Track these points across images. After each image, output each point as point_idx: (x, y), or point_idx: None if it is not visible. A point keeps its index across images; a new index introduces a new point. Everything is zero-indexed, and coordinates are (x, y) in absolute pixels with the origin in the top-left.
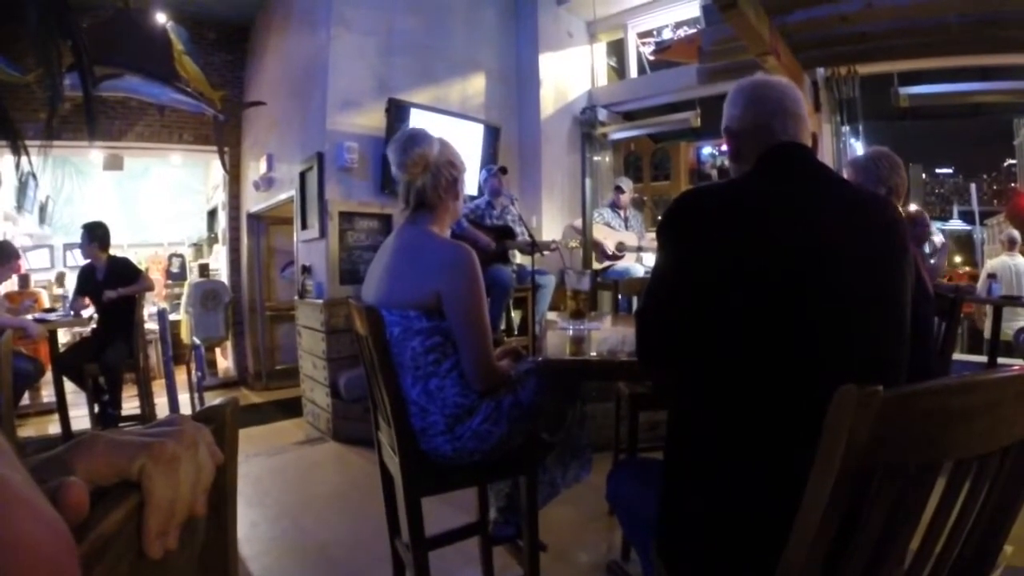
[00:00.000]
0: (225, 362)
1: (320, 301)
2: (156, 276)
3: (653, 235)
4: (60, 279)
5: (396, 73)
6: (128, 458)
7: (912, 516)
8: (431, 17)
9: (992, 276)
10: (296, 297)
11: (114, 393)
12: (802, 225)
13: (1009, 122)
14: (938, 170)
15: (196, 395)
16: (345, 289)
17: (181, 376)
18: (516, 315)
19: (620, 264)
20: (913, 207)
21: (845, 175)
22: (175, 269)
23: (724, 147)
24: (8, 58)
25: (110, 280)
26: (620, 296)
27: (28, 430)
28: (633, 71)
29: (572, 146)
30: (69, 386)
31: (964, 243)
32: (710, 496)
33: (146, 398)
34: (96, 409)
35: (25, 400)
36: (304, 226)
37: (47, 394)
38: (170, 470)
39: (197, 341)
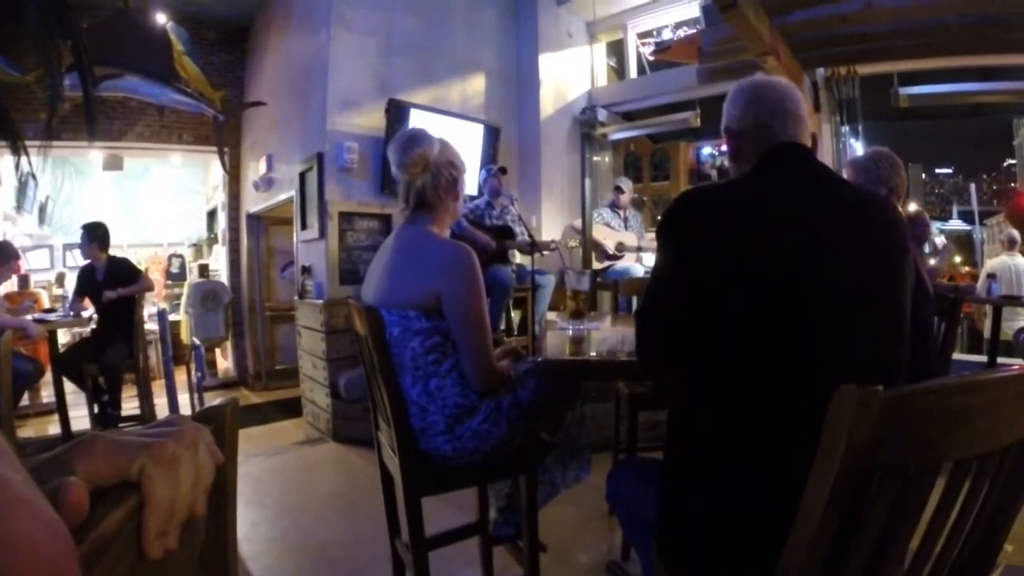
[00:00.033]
0: (225, 362)
1: (320, 301)
2: (156, 276)
3: (653, 235)
4: (60, 279)
5: (396, 73)
6: (128, 458)
7: (912, 516)
8: (431, 17)
9: (992, 276)
10: (296, 297)
11: (114, 393)
12: (802, 225)
13: (1009, 122)
14: (938, 170)
15: (196, 395)
16: (345, 289)
17: (181, 376)
18: (516, 315)
19: (620, 264)
20: (913, 207)
21: (845, 175)
22: (175, 269)
23: (724, 147)
24: (8, 58)
25: (110, 280)
26: (620, 296)
27: (28, 431)
28: (633, 71)
29: (572, 146)
30: (69, 386)
31: (964, 243)
32: (710, 496)
33: (146, 398)
34: (96, 409)
35: (25, 401)
36: (304, 226)
37: (47, 394)
38: (170, 470)
39: (197, 341)
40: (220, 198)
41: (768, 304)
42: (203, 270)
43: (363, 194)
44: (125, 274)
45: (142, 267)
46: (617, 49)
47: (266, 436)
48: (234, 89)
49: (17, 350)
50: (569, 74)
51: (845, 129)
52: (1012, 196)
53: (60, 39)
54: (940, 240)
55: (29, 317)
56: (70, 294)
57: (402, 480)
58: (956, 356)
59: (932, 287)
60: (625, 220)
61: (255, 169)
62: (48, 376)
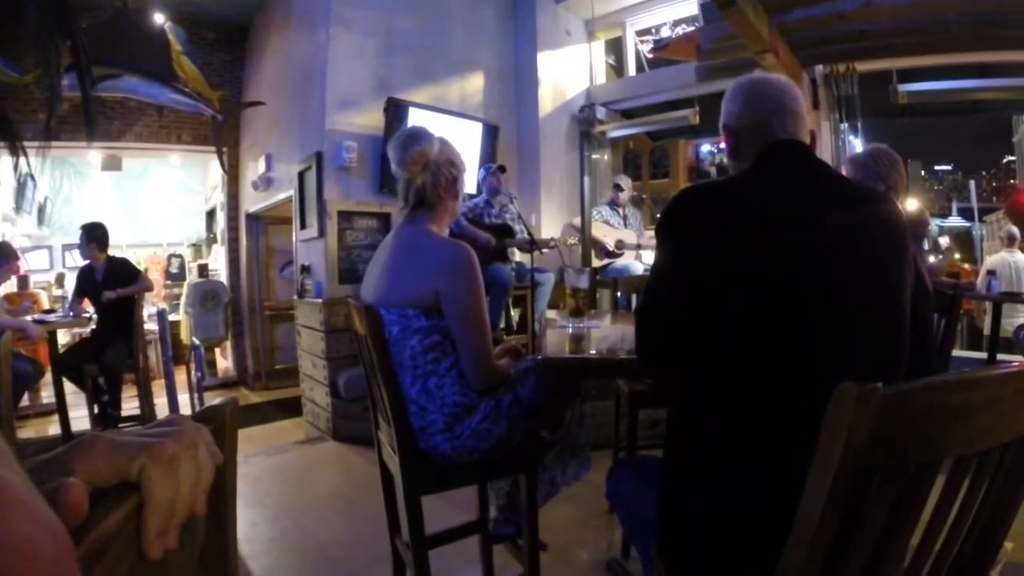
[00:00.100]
0: (225, 362)
1: (319, 300)
2: (155, 276)
3: (652, 233)
4: (59, 280)
5: (395, 73)
6: (128, 458)
7: (912, 513)
8: (430, 17)
9: (992, 273)
10: (295, 297)
11: (114, 394)
12: (801, 223)
13: (1008, 119)
14: (937, 167)
15: (196, 395)
16: (344, 288)
17: (181, 376)
18: (515, 313)
19: (619, 262)
20: (913, 205)
21: (844, 172)
22: (174, 269)
23: (723, 145)
24: (7, 58)
25: (109, 281)
26: (619, 294)
27: (28, 431)
28: (631, 69)
29: (571, 144)
30: (69, 387)
31: (963, 240)
32: (710, 495)
33: (146, 398)
34: (96, 410)
35: (25, 401)
36: (303, 226)
37: (47, 395)
38: (170, 470)
39: (196, 341)
40: (219, 198)
41: (768, 302)
42: (202, 270)
43: (362, 193)
44: (124, 274)
45: (141, 267)
46: (616, 47)
47: (266, 436)
48: (233, 89)
49: (17, 351)
50: (568, 72)
51: (844, 126)
52: (1011, 193)
53: (59, 39)
54: (944, 241)
55: (29, 318)
56: (69, 295)
57: (402, 479)
58: (956, 353)
59: (932, 284)
60: (624, 218)
61: (254, 169)
62: (48, 377)
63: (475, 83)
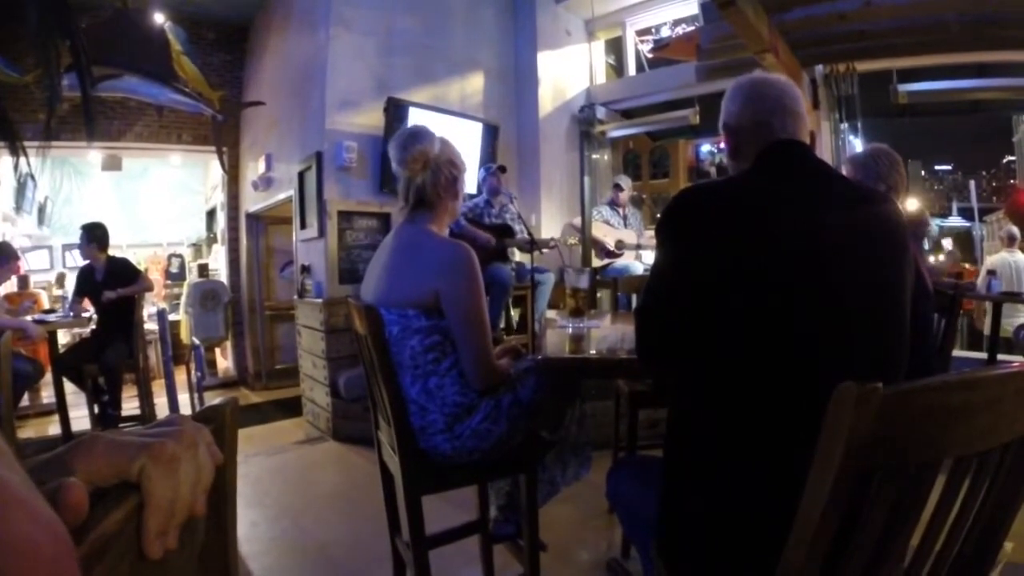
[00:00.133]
0: (225, 362)
1: (319, 300)
2: (155, 276)
3: (652, 233)
4: (60, 280)
5: (395, 72)
6: (128, 458)
7: (912, 514)
8: (430, 17)
9: (992, 273)
10: (295, 297)
11: (114, 393)
12: (802, 223)
13: (1008, 119)
14: (937, 167)
15: (196, 395)
16: (344, 288)
17: (181, 376)
18: (515, 313)
19: (619, 262)
20: (914, 206)
21: (844, 172)
22: (174, 269)
23: (723, 144)
24: (8, 58)
25: (109, 281)
26: (619, 294)
27: (28, 431)
28: (631, 69)
29: (571, 144)
30: (69, 387)
31: (964, 240)
32: (710, 495)
33: (146, 398)
34: (96, 410)
35: (25, 401)
36: (303, 226)
37: (47, 395)
38: (170, 470)
39: (197, 341)
40: (219, 198)
41: (768, 302)
42: (202, 270)
43: (362, 193)
44: (124, 274)
45: (141, 267)
46: (616, 47)
47: (266, 435)
48: (233, 89)
49: (17, 351)
50: (568, 72)
51: (844, 126)
52: (1012, 193)
53: (59, 39)
54: (947, 243)
55: (29, 318)
56: (70, 294)
57: (402, 479)
58: (956, 353)
59: (932, 284)
60: (624, 218)
61: (254, 169)
62: (48, 377)
63: (475, 83)
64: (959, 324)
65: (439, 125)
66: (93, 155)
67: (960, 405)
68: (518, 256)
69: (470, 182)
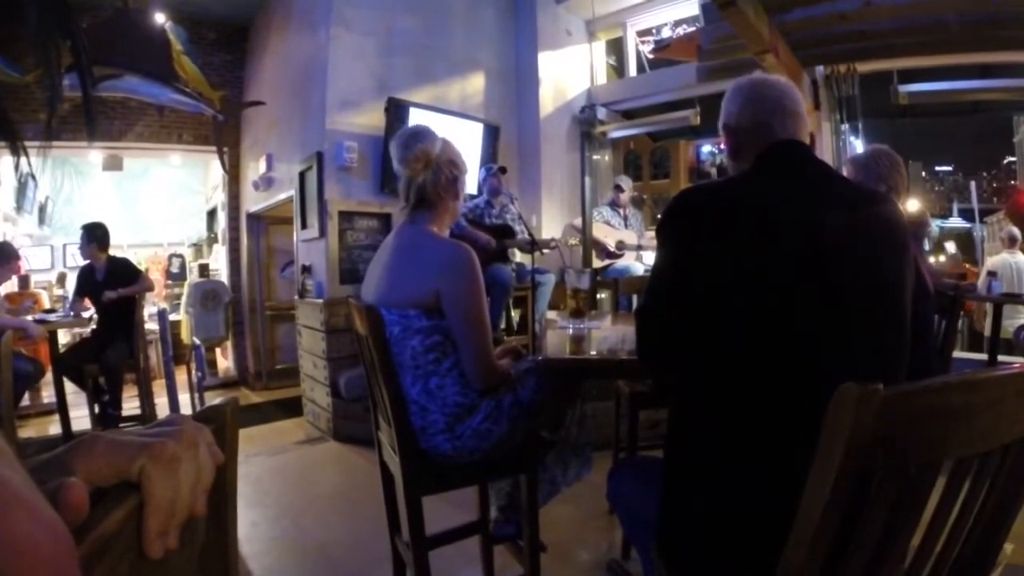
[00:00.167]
0: (225, 362)
1: (320, 301)
2: (156, 276)
3: (653, 233)
4: (61, 279)
5: (395, 73)
6: (128, 458)
7: (912, 514)
8: (430, 17)
9: (992, 274)
10: (296, 297)
11: (114, 393)
12: (802, 223)
13: (1009, 119)
14: (938, 167)
15: (196, 395)
16: (345, 288)
17: (181, 376)
18: (516, 314)
19: (620, 263)
20: (914, 207)
21: (845, 173)
22: (175, 269)
23: (723, 145)
24: (8, 58)
25: (110, 281)
26: (620, 295)
27: (28, 431)
28: (632, 69)
29: (571, 145)
30: (69, 387)
31: (964, 241)
32: (710, 496)
33: (146, 398)
34: (96, 409)
35: (25, 401)
36: (304, 226)
37: (47, 395)
38: (170, 470)
39: (197, 341)
40: (220, 198)
41: (768, 302)
42: (203, 270)
43: (363, 193)
44: (125, 274)
45: (142, 267)
46: (616, 47)
47: (266, 436)
48: (233, 89)
49: (18, 350)
50: (568, 72)
51: (845, 127)
52: (1012, 194)
53: (60, 39)
54: (951, 247)
55: (29, 317)
56: (70, 294)
57: (403, 479)
58: (956, 354)
59: (933, 285)
60: (625, 218)
61: (255, 169)
62: (49, 376)
63: (476, 83)
64: (959, 325)
65: (440, 125)
66: (94, 155)
67: (961, 406)
68: (519, 257)
69: (471, 182)
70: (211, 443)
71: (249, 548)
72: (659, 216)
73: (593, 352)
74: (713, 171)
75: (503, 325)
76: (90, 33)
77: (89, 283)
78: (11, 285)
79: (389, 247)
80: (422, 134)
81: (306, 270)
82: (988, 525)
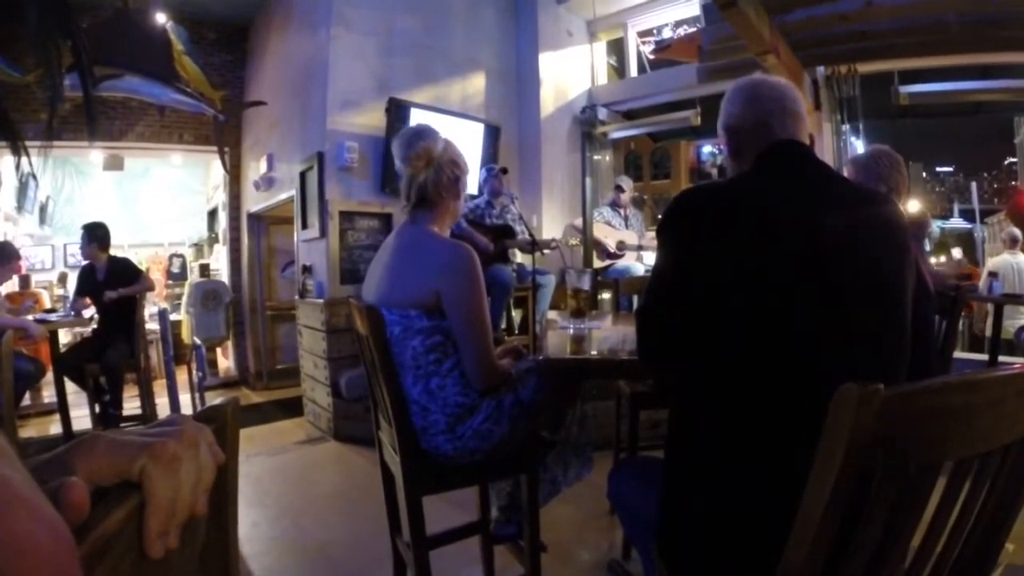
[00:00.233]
0: (226, 362)
1: (321, 301)
2: (157, 276)
3: (653, 234)
4: (62, 279)
5: (396, 73)
6: (129, 458)
7: (913, 514)
8: (431, 17)
9: (993, 275)
10: (297, 297)
11: (115, 393)
12: (802, 224)
13: (1010, 120)
14: (938, 168)
15: (197, 395)
16: (346, 288)
17: (182, 376)
18: (517, 314)
19: (620, 263)
20: (915, 207)
21: (845, 173)
22: (176, 269)
23: (723, 146)
24: (8, 58)
25: (111, 280)
26: (620, 295)
27: (29, 431)
28: (633, 70)
29: (572, 145)
30: (70, 386)
31: (965, 241)
32: (711, 496)
33: (147, 398)
34: (97, 409)
35: (26, 401)
36: (304, 226)
37: (48, 394)
38: (171, 470)
39: (198, 341)
40: (221, 198)
41: (768, 303)
42: (204, 270)
43: (363, 193)
44: (126, 274)
45: (143, 267)
46: (617, 48)
47: (267, 435)
48: (234, 89)
49: (18, 350)
50: (569, 73)
51: (846, 127)
52: (1013, 194)
53: (60, 39)
54: (957, 252)
55: (30, 317)
56: (71, 294)
57: (403, 479)
58: (957, 355)
59: (935, 286)
60: (626, 219)
61: (255, 169)
62: (49, 376)
63: (476, 83)
64: (960, 326)
65: (440, 125)
66: (95, 155)
67: (961, 406)
68: (519, 257)
69: (471, 183)
70: (212, 443)
71: (249, 548)
72: (660, 216)
73: (594, 352)
74: (714, 171)
75: (504, 325)
76: (90, 33)
77: (90, 283)
78: (12, 285)
79: (390, 247)
80: (424, 133)
81: (307, 270)
82: (989, 525)
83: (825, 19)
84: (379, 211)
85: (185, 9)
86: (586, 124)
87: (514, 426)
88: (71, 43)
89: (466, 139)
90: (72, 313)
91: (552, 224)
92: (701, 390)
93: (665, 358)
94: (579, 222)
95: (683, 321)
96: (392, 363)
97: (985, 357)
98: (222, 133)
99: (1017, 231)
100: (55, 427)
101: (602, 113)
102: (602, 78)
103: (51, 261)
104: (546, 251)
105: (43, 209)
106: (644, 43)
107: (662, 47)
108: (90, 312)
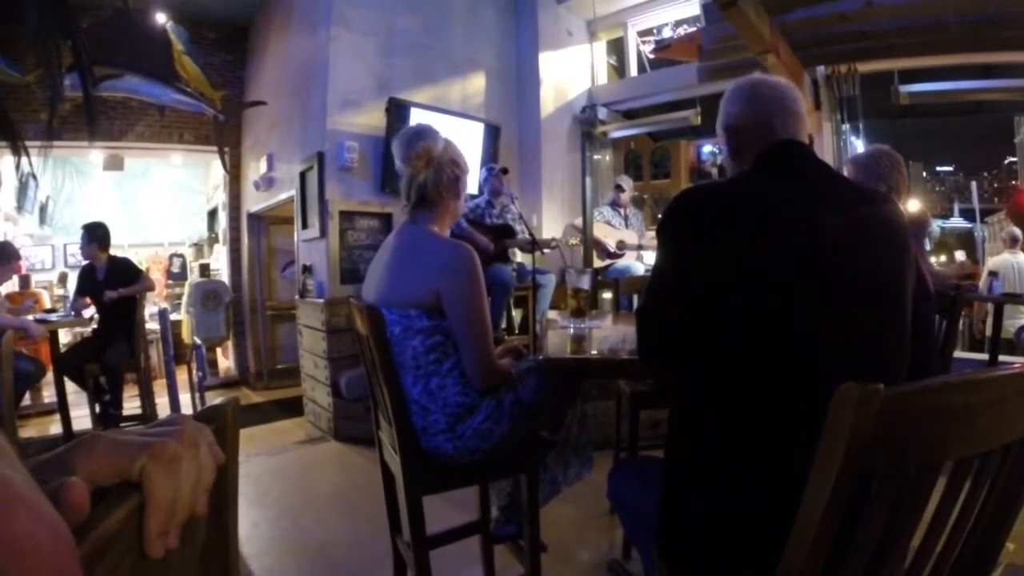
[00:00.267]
0: (226, 362)
1: (321, 300)
2: (157, 276)
3: (653, 233)
4: (62, 279)
5: (396, 73)
6: (129, 458)
7: (913, 514)
8: (431, 17)
9: (993, 274)
10: (297, 296)
11: (115, 393)
12: (802, 223)
13: (1010, 119)
14: (939, 168)
15: (197, 395)
16: (346, 288)
17: (182, 376)
18: (517, 314)
19: (621, 262)
20: (915, 207)
21: (845, 173)
22: (176, 269)
23: (723, 145)
24: (8, 58)
25: (111, 280)
26: (621, 295)
27: (29, 431)
28: (633, 70)
29: (572, 145)
30: (70, 386)
31: (965, 241)
32: (711, 496)
33: (147, 398)
34: (97, 409)
35: (26, 400)
36: (304, 225)
37: (48, 394)
38: (171, 470)
39: (198, 341)
40: (221, 198)
41: (768, 302)
42: (204, 270)
43: (364, 193)
44: (126, 274)
45: (143, 267)
46: (617, 47)
47: (267, 435)
48: (234, 89)
49: (18, 350)
50: (569, 72)
51: (846, 127)
52: (1013, 194)
53: (60, 39)
54: (960, 255)
55: (30, 317)
56: (71, 294)
57: (403, 479)
58: (957, 354)
59: (935, 285)
60: (626, 218)
61: (256, 168)
62: (49, 376)
63: (476, 83)
64: (960, 325)
65: (440, 125)
66: (95, 155)
67: (961, 406)
68: (519, 257)
69: (471, 182)
70: (212, 443)
71: (249, 548)
72: (660, 216)
73: (594, 352)
74: (714, 171)
75: (504, 325)
76: (90, 33)
77: (90, 283)
78: (12, 285)
79: (390, 247)
80: (425, 132)
81: (307, 270)
82: (989, 525)
83: (825, 19)
84: (379, 211)
85: (185, 9)
86: (586, 124)
87: (514, 426)
88: (71, 43)
89: (466, 139)
90: (72, 313)
91: (552, 224)
92: (701, 390)
93: (665, 358)
94: (579, 222)
95: (683, 321)
96: (392, 363)
97: (985, 357)
98: (222, 133)
99: (1017, 230)
100: (55, 427)
101: (602, 113)
102: (602, 78)
103: (51, 261)
104: (546, 251)
105: (43, 209)
106: (644, 43)
107: (662, 47)
108: (90, 312)
